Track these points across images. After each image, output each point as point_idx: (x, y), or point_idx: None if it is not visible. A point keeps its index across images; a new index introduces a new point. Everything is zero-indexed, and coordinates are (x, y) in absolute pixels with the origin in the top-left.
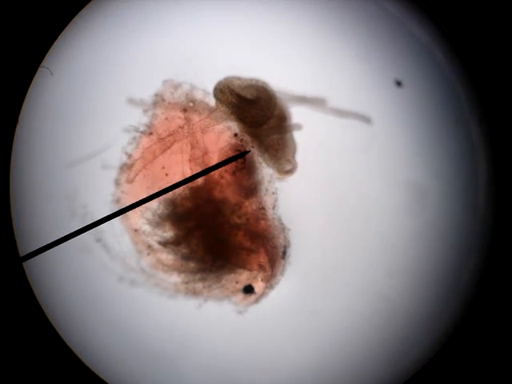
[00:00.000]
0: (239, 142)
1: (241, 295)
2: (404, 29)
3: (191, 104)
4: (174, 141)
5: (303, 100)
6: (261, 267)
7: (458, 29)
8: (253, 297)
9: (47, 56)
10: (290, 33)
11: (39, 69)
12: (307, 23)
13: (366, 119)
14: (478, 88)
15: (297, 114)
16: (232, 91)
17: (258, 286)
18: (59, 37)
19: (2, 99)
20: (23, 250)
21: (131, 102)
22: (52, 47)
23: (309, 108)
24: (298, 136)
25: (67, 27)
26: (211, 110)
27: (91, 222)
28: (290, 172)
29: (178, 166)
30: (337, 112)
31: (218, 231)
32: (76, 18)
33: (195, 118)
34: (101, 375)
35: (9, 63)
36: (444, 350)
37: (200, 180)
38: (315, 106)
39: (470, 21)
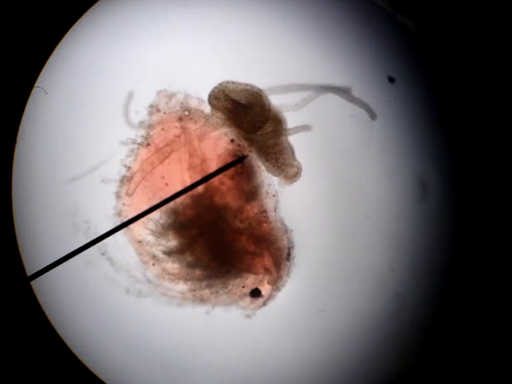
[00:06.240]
0: (237, 147)
1: (248, 299)
2: (396, 24)
3: (186, 113)
4: (172, 150)
5: (301, 102)
6: (266, 270)
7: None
8: (260, 300)
9: (41, 75)
10: (283, 34)
11: (34, 89)
12: (300, 24)
13: (373, 114)
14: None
15: (295, 115)
16: (227, 96)
17: (265, 288)
18: (52, 53)
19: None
20: (30, 270)
21: (126, 114)
22: (45, 64)
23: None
24: (296, 137)
25: (59, 44)
26: (207, 118)
27: (95, 236)
28: (296, 175)
29: (178, 175)
30: (349, 98)
31: (222, 237)
32: (67, 34)
33: (191, 126)
34: None
35: (4, 85)
36: (449, 343)
37: (200, 187)
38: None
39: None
